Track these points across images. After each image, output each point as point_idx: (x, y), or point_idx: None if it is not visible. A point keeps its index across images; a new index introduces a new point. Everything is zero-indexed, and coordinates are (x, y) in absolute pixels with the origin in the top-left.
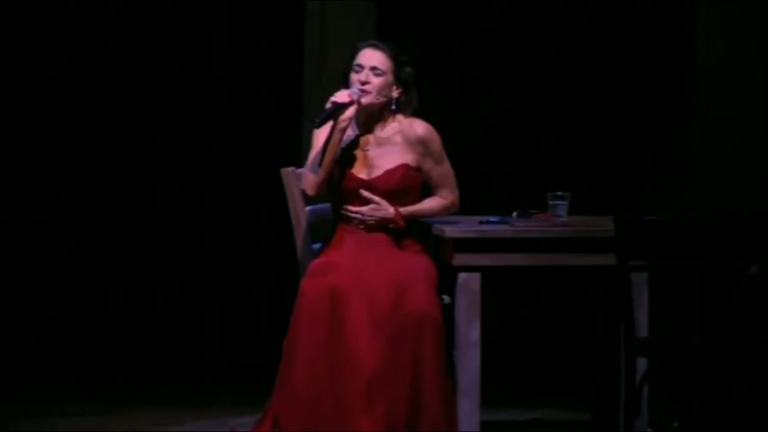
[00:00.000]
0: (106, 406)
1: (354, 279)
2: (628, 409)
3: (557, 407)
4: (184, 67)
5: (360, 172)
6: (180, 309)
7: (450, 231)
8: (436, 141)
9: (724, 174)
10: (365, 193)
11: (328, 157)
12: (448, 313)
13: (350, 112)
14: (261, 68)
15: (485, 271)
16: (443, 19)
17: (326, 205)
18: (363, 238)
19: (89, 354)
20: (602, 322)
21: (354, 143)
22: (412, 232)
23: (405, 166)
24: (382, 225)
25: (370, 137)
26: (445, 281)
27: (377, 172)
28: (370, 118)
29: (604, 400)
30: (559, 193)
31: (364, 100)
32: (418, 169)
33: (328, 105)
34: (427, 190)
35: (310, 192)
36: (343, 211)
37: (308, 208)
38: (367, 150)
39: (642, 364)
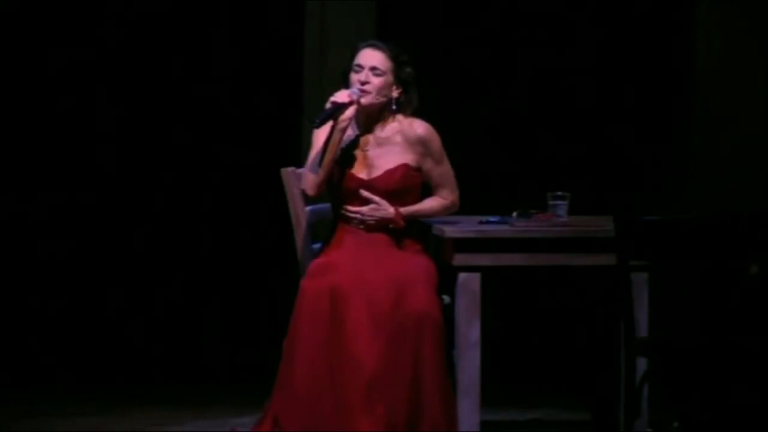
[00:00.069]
0: (106, 406)
1: (354, 279)
2: (628, 409)
3: (557, 407)
4: (184, 67)
5: (360, 172)
6: (180, 309)
7: (450, 231)
8: (436, 141)
9: (724, 174)
10: (365, 193)
11: (328, 157)
12: (448, 313)
13: (350, 112)
14: (261, 68)
15: (485, 271)
16: (443, 19)
17: (326, 205)
18: (363, 238)
19: (89, 354)
20: (602, 322)
21: (354, 143)
22: (412, 232)
23: (405, 166)
24: (382, 225)
25: (370, 137)
26: (445, 281)
27: (377, 172)
28: (370, 118)
29: (604, 400)
30: (559, 193)
31: (364, 100)
32: (418, 169)
33: (328, 105)
34: (427, 190)
35: (310, 192)
36: (343, 211)
37: (308, 208)
38: (367, 150)
39: (642, 364)
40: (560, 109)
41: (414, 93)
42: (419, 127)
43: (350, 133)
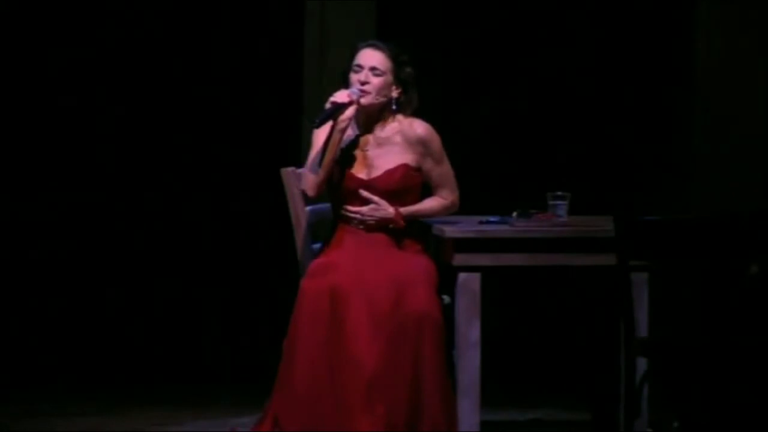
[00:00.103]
0: (106, 406)
1: (354, 279)
2: (628, 409)
3: (557, 407)
4: (184, 67)
5: (360, 172)
6: (180, 309)
7: (450, 231)
8: (435, 141)
9: (724, 174)
10: (365, 193)
11: (328, 157)
12: (448, 313)
13: (350, 112)
14: (261, 68)
15: (485, 271)
16: (443, 19)
17: (326, 205)
18: (363, 238)
19: (89, 354)
20: (602, 322)
21: (354, 143)
22: (412, 232)
23: (405, 166)
24: (382, 225)
25: (370, 137)
26: (445, 281)
27: (377, 172)
28: (370, 118)
29: (604, 400)
30: (559, 193)
31: (364, 101)
32: (417, 169)
33: (328, 105)
34: (427, 190)
35: (310, 192)
36: (343, 211)
37: (308, 208)
38: (367, 150)
39: (642, 364)
40: (560, 109)
41: (414, 93)
42: (419, 127)
43: (350, 133)
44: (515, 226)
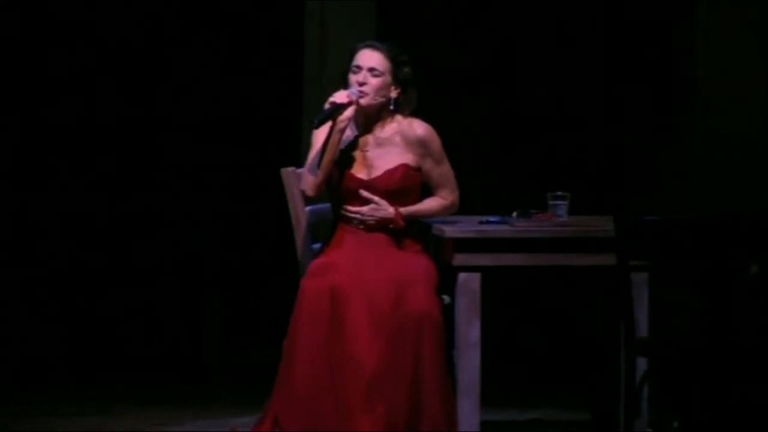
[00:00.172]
0: (106, 406)
1: (354, 279)
2: (628, 409)
3: (557, 407)
4: (184, 67)
5: (360, 172)
6: (180, 309)
7: (450, 231)
8: (435, 141)
9: (724, 174)
10: (365, 193)
11: (327, 157)
12: (448, 313)
13: (349, 112)
14: (261, 68)
15: (485, 271)
16: (443, 19)
17: (326, 205)
18: (363, 238)
19: (89, 354)
20: (602, 322)
21: (353, 144)
22: (412, 232)
23: (405, 166)
24: (382, 225)
25: (370, 137)
26: (445, 281)
27: (377, 173)
28: (369, 118)
29: (604, 400)
30: (559, 193)
31: (363, 101)
32: (417, 169)
33: (327, 105)
34: (427, 190)
35: (310, 193)
36: (343, 212)
37: (308, 208)
38: (367, 150)
39: (642, 364)
40: (560, 109)
41: (413, 93)
42: (419, 127)
43: (349, 134)
44: (515, 226)
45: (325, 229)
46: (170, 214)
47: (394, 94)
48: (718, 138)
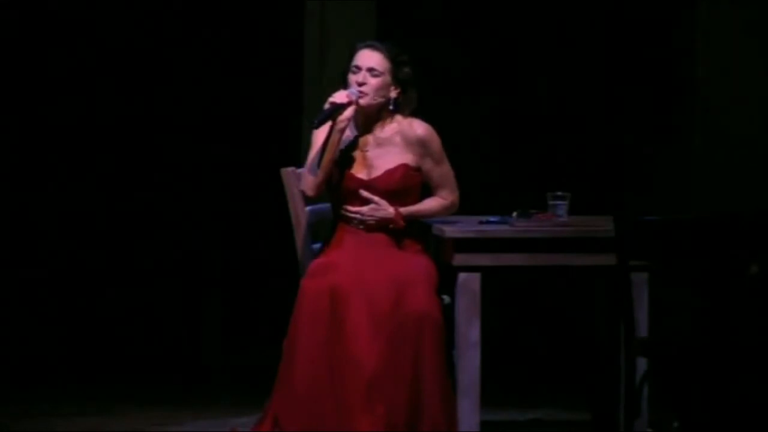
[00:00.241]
0: (106, 406)
1: (354, 279)
2: (628, 409)
3: (557, 407)
4: (184, 67)
5: (360, 172)
6: (180, 309)
7: (450, 231)
8: (435, 141)
9: (724, 174)
10: (365, 193)
11: (327, 157)
12: (448, 313)
13: (349, 112)
14: (261, 68)
15: (485, 271)
16: (443, 19)
17: (326, 205)
18: (363, 238)
19: (89, 354)
20: (602, 322)
21: (353, 144)
22: (412, 232)
23: (404, 166)
24: (382, 225)
25: (370, 138)
26: (445, 281)
27: (377, 173)
28: (369, 118)
29: (604, 400)
30: (559, 193)
31: (362, 101)
32: (417, 169)
33: (327, 105)
34: (427, 190)
35: (310, 193)
36: (343, 212)
37: (308, 208)
38: (367, 150)
39: (642, 364)
40: (560, 109)
41: (412, 93)
42: (419, 127)
43: (349, 134)
44: (515, 226)
45: (325, 229)
46: (170, 214)
47: (393, 94)
48: (718, 138)
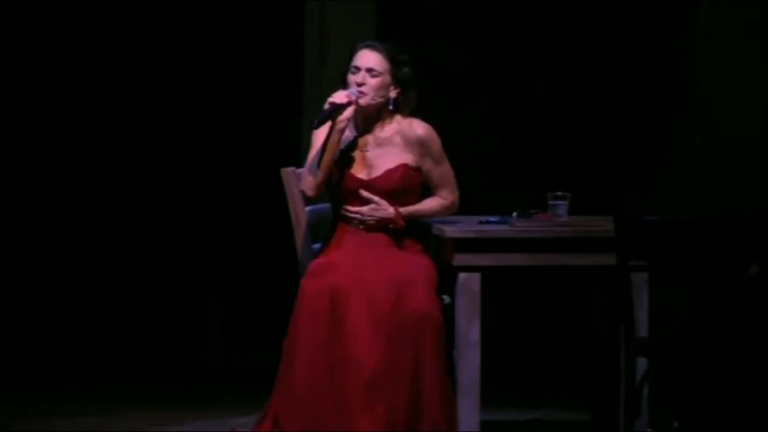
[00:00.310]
0: (106, 406)
1: (354, 279)
2: (628, 409)
3: (557, 407)
4: (184, 68)
5: (359, 172)
6: (180, 309)
7: (450, 231)
8: (435, 141)
9: (724, 174)
10: (365, 193)
11: (327, 157)
12: (448, 313)
13: (348, 112)
14: (261, 68)
15: (485, 271)
16: (443, 19)
17: (326, 205)
18: (363, 238)
19: (89, 354)
20: (602, 322)
21: (353, 144)
22: (412, 232)
23: (404, 166)
24: (382, 225)
25: (370, 138)
26: (445, 281)
27: (377, 173)
28: (369, 118)
29: (604, 400)
30: (559, 193)
31: (362, 101)
32: (417, 169)
33: (327, 106)
34: (426, 190)
35: (309, 193)
36: (343, 212)
37: (308, 208)
38: (367, 150)
39: (642, 364)
40: (560, 109)
41: (412, 93)
42: (419, 127)
43: (348, 134)
44: (515, 226)
45: (325, 229)
46: (170, 214)
47: (393, 94)
48: (718, 138)
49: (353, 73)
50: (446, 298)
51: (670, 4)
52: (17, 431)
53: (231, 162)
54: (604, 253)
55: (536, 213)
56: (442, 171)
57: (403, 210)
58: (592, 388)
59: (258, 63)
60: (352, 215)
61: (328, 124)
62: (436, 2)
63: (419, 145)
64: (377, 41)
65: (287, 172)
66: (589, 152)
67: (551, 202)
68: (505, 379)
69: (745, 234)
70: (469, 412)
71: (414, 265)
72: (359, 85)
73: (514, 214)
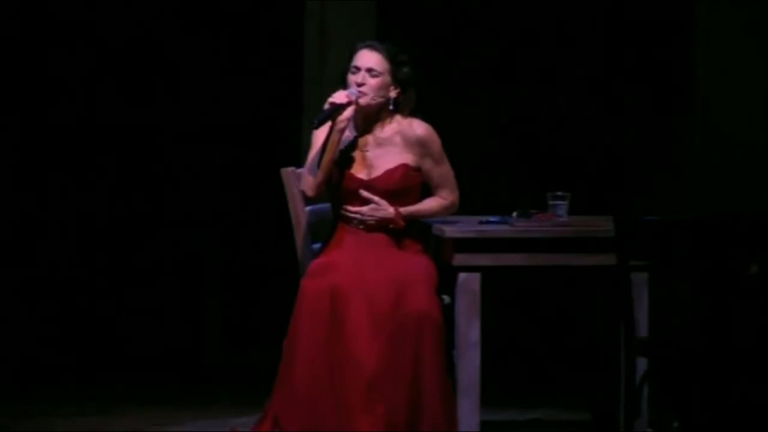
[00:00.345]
0: (106, 406)
1: (354, 279)
2: (628, 409)
3: (557, 407)
4: (184, 68)
5: (359, 172)
6: (180, 309)
7: (450, 231)
8: (435, 141)
9: (724, 174)
10: (365, 193)
11: (327, 157)
12: (448, 313)
13: (348, 112)
14: (261, 68)
15: (485, 271)
16: (443, 19)
17: (326, 205)
18: (363, 238)
19: (89, 354)
20: (602, 322)
21: (353, 144)
22: (412, 232)
23: (404, 166)
24: (382, 225)
25: (370, 138)
26: (445, 281)
27: (377, 173)
28: (369, 118)
29: (604, 400)
30: (559, 193)
31: (362, 101)
32: (417, 169)
33: (327, 106)
34: (426, 190)
35: (309, 193)
36: (343, 212)
37: (308, 208)
38: (367, 150)
39: (642, 364)
40: (560, 109)
41: (412, 93)
42: (419, 127)
43: (348, 134)
44: (515, 226)
45: (325, 229)
46: (170, 214)
47: (393, 94)
48: (718, 138)
49: (353, 73)
50: (446, 298)
51: (670, 4)
52: (17, 431)
53: (231, 162)
54: (604, 253)
55: (536, 213)
56: (442, 171)
57: (403, 210)
58: (592, 388)
59: (258, 63)
60: (352, 215)
61: (328, 124)
62: (436, 2)
63: (419, 145)
64: (377, 41)
65: (287, 172)
66: (589, 152)
67: (551, 202)
68: (505, 379)
69: (745, 234)
70: (469, 412)
71: (414, 265)
72: (359, 85)
73: (514, 214)
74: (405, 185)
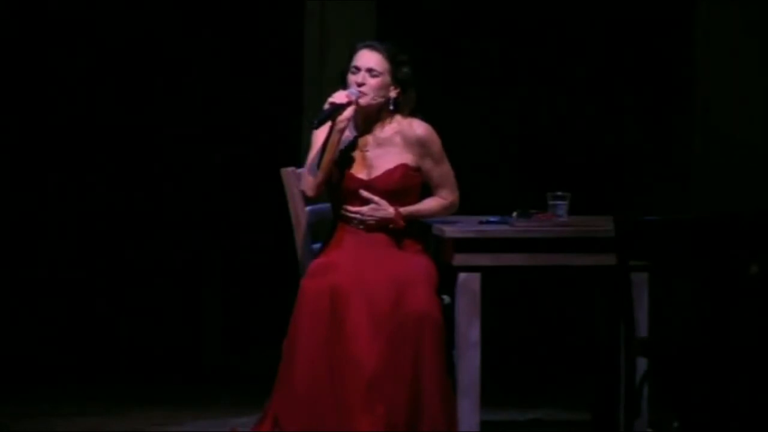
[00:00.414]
0: (106, 406)
1: (354, 279)
2: (628, 409)
3: (557, 407)
4: (184, 67)
5: (359, 172)
6: (180, 309)
7: (450, 231)
8: (435, 141)
9: (724, 174)
10: (365, 193)
11: (327, 157)
12: (448, 313)
13: (348, 112)
14: (261, 68)
15: (485, 271)
16: (443, 18)
17: (326, 205)
18: (363, 238)
19: (89, 354)
20: (602, 322)
21: (353, 144)
22: (412, 232)
23: (404, 166)
24: (382, 225)
25: (370, 138)
26: (445, 281)
27: (377, 173)
28: (368, 118)
29: (604, 400)
30: (559, 193)
31: (362, 101)
32: (417, 169)
33: (327, 106)
34: (426, 190)
35: (309, 193)
36: (343, 212)
37: (308, 208)
38: (367, 150)
39: (642, 364)
40: (560, 110)
41: (412, 93)
42: (419, 127)
43: (348, 134)
44: (515, 226)
45: (325, 229)
46: (170, 214)
47: (393, 94)
48: (718, 138)
49: (353, 73)
50: (446, 298)
51: (670, 4)
52: (17, 431)
53: (231, 162)
54: (604, 253)
55: (536, 213)
56: (442, 171)
57: (403, 210)
58: (592, 388)
59: (258, 63)
60: (352, 215)
61: (328, 124)
62: (436, 2)
63: (419, 145)
64: (377, 41)
65: (287, 172)
66: (589, 152)
67: (551, 202)
68: (505, 379)
69: (745, 234)
70: (469, 412)
71: (414, 265)
72: (359, 85)
73: (514, 214)
74: (405, 185)
